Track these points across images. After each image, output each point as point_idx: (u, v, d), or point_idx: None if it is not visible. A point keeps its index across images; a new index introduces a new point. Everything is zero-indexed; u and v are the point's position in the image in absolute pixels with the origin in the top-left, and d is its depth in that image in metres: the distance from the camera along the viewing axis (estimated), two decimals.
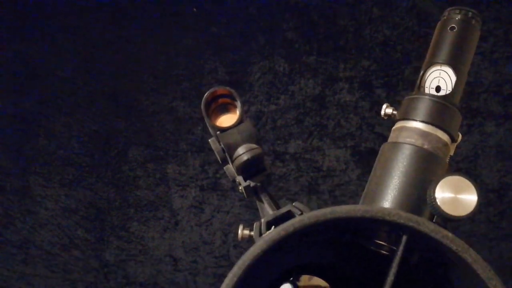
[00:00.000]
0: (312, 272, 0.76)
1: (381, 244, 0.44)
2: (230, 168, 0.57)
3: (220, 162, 0.50)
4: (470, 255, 0.36)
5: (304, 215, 0.38)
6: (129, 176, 1.09)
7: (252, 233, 0.50)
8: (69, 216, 1.07)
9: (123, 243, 1.06)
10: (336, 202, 1.05)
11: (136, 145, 1.11)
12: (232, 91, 0.47)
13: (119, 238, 1.06)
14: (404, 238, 0.38)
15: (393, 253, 0.39)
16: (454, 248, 0.36)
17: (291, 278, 0.83)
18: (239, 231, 0.50)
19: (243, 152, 0.47)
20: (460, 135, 0.50)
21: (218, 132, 0.47)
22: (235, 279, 0.36)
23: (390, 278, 0.38)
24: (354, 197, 1.06)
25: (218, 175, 1.08)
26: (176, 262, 1.04)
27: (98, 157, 1.10)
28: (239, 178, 0.51)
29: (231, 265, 0.38)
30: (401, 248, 0.38)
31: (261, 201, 0.52)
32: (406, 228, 0.37)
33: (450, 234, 0.37)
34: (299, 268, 0.70)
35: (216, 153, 0.49)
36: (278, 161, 1.08)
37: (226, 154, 0.48)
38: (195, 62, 1.18)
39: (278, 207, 0.51)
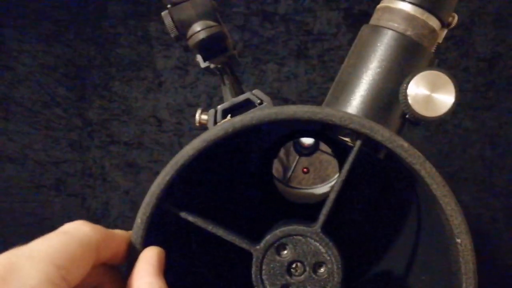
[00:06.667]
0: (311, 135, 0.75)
1: (344, 139, 0.42)
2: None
3: (175, 40, 0.45)
4: (425, 168, 0.34)
5: (240, 117, 0.35)
6: (109, 33, 1.04)
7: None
8: (48, 73, 1.03)
9: (106, 102, 1.05)
10: (325, 67, 1.03)
11: None
12: None
13: (101, 97, 1.05)
14: (358, 143, 0.36)
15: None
16: (408, 159, 0.34)
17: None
18: (197, 116, 0.48)
19: (198, 30, 0.42)
20: (456, 16, 0.44)
21: (169, 6, 0.43)
22: (166, 178, 0.35)
23: (338, 185, 0.36)
24: (343, 63, 1.02)
25: None
26: (161, 123, 1.04)
27: (76, 11, 1.04)
28: (198, 58, 0.47)
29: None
30: (353, 154, 0.36)
31: (224, 84, 0.49)
32: (360, 134, 0.35)
33: (405, 144, 0.34)
34: (298, 132, 0.69)
35: (169, 29, 0.44)
36: (267, 22, 1.03)
37: (180, 31, 0.44)
38: None
39: (241, 92, 0.48)
